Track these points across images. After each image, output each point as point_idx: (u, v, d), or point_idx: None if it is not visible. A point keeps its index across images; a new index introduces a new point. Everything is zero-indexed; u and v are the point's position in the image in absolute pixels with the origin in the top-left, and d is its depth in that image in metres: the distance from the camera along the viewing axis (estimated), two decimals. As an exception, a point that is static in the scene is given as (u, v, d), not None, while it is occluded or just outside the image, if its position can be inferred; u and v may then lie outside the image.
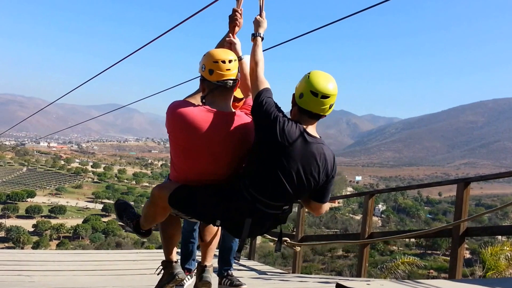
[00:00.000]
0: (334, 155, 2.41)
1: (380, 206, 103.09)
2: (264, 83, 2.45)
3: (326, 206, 2.54)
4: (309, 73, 2.34)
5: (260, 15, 2.71)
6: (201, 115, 2.34)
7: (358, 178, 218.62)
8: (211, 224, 2.79)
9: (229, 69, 2.39)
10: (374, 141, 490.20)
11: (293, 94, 2.39)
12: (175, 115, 2.35)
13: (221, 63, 2.36)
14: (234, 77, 2.43)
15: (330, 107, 2.33)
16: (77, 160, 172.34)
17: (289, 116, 2.39)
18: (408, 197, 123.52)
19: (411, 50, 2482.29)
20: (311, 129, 2.34)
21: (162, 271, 2.79)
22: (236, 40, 2.71)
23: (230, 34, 2.74)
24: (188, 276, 3.57)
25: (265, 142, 2.28)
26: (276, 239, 3.30)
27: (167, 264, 2.77)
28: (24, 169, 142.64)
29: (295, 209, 7.33)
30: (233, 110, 2.49)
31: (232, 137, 2.40)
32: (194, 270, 3.56)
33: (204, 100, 2.44)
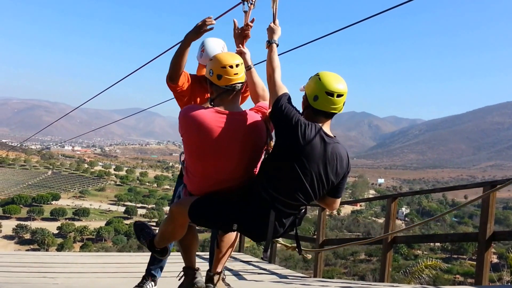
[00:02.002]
0: (347, 151, 2.47)
1: (403, 209, 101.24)
2: (282, 88, 2.49)
3: (339, 200, 2.59)
4: (318, 75, 2.39)
5: (274, 22, 2.75)
6: (211, 116, 2.39)
7: (381, 180, 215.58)
8: (230, 232, 2.78)
9: (237, 73, 2.44)
10: (397, 143, 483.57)
11: (304, 97, 2.44)
12: (187, 118, 2.41)
13: (228, 68, 2.41)
14: (242, 80, 2.48)
15: (343, 104, 2.39)
16: (100, 163, 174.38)
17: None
18: (433, 200, 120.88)
19: (435, 51, 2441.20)
20: (327, 129, 2.40)
21: (183, 277, 2.82)
22: (246, 50, 2.78)
23: (240, 45, 2.83)
24: (152, 283, 3.47)
25: (287, 145, 2.32)
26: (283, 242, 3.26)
27: (188, 271, 2.80)
28: (49, 172, 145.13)
29: (315, 212, 7.27)
30: (242, 110, 2.53)
31: (243, 136, 2.44)
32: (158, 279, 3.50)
33: (212, 103, 2.50)
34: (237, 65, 2.44)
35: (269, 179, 2.36)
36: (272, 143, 2.58)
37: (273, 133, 2.55)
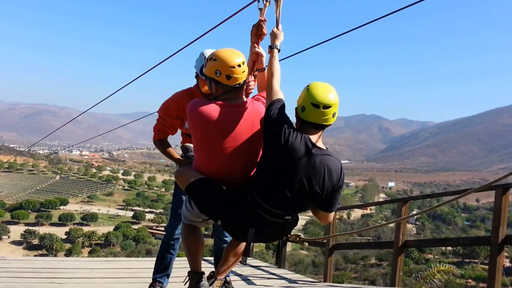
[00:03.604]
0: (342, 165, 2.43)
1: (414, 213, 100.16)
2: (278, 94, 2.51)
3: (333, 214, 2.57)
4: (308, 86, 2.38)
5: (277, 27, 2.78)
6: (215, 108, 2.48)
7: (391, 184, 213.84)
8: (240, 243, 2.81)
9: (244, 71, 2.52)
10: (407, 146, 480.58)
11: (295, 108, 2.45)
12: (192, 111, 2.51)
13: (237, 67, 2.47)
14: (246, 76, 2.57)
15: (333, 116, 2.36)
16: (108, 168, 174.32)
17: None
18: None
19: (446, 52, 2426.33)
20: (317, 140, 2.38)
21: (188, 281, 2.84)
22: (262, 51, 2.80)
23: (256, 45, 2.83)
24: None
25: (271, 151, 2.36)
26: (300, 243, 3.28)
27: (192, 275, 2.81)
28: (57, 177, 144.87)
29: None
30: (245, 100, 2.58)
31: (244, 125, 2.50)
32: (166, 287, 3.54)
33: (217, 99, 2.56)
34: (243, 63, 2.51)
35: (256, 184, 2.39)
36: None
37: None
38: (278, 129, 2.32)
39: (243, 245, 2.79)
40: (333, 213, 2.55)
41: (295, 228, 2.67)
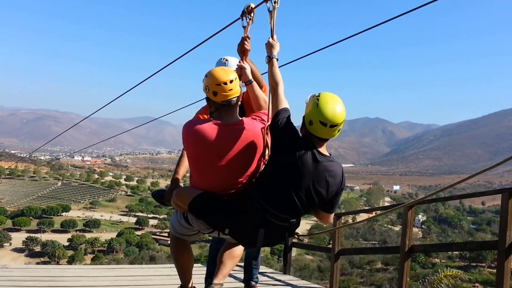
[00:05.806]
0: (343, 168, 2.55)
1: (420, 216, 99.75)
2: (283, 103, 2.61)
3: (333, 215, 2.68)
4: (318, 98, 2.42)
5: (272, 37, 2.85)
6: (209, 128, 2.52)
7: (396, 187, 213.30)
8: (235, 245, 2.87)
9: (232, 89, 2.54)
10: (412, 149, 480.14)
11: (303, 117, 2.51)
12: (187, 132, 2.57)
13: (223, 85, 2.52)
14: (237, 95, 2.59)
15: (338, 131, 2.45)
16: (111, 174, 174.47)
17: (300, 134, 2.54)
18: (450, 207, 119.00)
19: (449, 55, 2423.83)
20: (321, 148, 2.48)
21: None
22: (246, 65, 2.88)
23: (240, 60, 2.95)
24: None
25: (279, 159, 2.44)
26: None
27: None
28: (59, 183, 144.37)
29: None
30: (239, 119, 2.65)
31: (240, 144, 2.54)
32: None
33: (212, 116, 2.67)
34: (231, 81, 2.54)
35: (263, 191, 2.46)
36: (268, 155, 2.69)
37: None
38: (285, 139, 2.43)
39: (238, 247, 2.84)
40: (333, 214, 2.66)
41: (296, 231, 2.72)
